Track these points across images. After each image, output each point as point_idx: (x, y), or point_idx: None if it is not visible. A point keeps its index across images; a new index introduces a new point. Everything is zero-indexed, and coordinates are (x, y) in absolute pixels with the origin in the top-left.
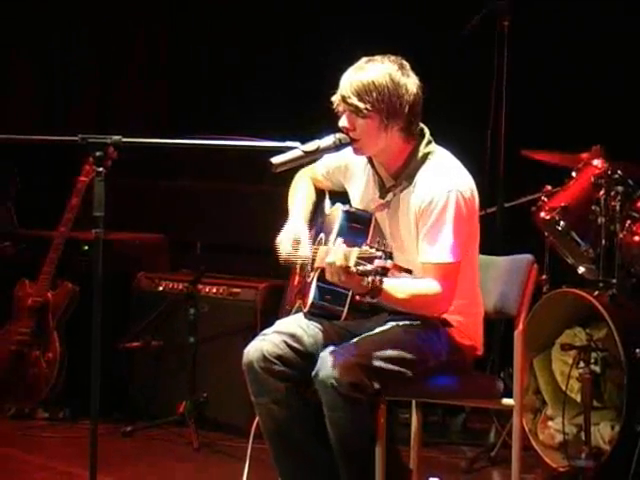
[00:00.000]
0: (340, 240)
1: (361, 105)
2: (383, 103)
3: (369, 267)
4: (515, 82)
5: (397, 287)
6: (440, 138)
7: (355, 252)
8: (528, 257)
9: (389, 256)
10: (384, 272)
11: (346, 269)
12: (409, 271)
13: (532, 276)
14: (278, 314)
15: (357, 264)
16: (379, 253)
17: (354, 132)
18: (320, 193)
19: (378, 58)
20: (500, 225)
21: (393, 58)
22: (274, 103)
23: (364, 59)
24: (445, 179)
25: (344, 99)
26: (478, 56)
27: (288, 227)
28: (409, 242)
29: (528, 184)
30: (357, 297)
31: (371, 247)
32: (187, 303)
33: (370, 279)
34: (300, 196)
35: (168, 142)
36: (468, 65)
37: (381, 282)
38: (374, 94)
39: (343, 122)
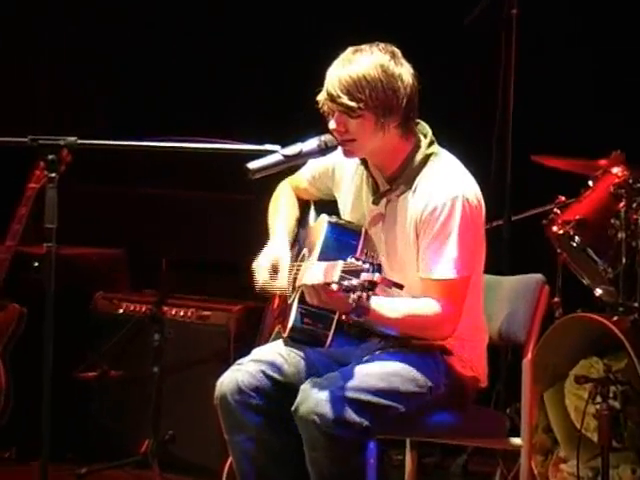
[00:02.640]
0: (320, 258)
1: (353, 104)
2: (377, 99)
3: (354, 281)
4: (525, 79)
5: (388, 305)
6: (442, 140)
7: (339, 265)
8: (538, 277)
9: (377, 269)
10: (371, 287)
11: (325, 286)
12: (399, 286)
13: (543, 298)
14: (256, 341)
15: (341, 279)
16: (366, 265)
17: (346, 134)
18: (305, 205)
19: (366, 47)
20: (507, 240)
21: (382, 46)
22: (252, 102)
23: (350, 49)
24: (450, 184)
25: (333, 98)
26: (483, 50)
27: (267, 251)
28: (408, 256)
29: (539, 194)
30: (343, 317)
31: (357, 259)
32: (151, 327)
33: (356, 295)
34: (282, 213)
35: (131, 144)
36: (471, 60)
37: (368, 298)
38: (367, 90)
39: (333, 125)
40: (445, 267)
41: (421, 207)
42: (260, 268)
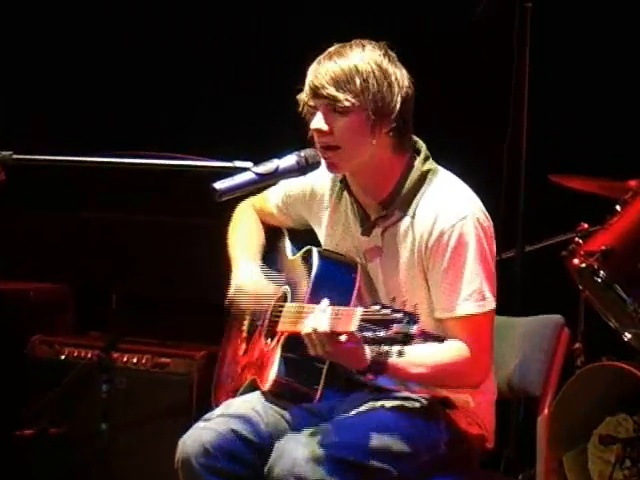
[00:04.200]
0: (326, 301)
1: (340, 95)
2: (369, 93)
3: (382, 333)
4: (541, 86)
5: (409, 357)
6: (438, 159)
7: (358, 313)
8: (556, 318)
9: (414, 320)
10: (407, 340)
11: (334, 336)
12: (441, 339)
13: (562, 344)
14: (212, 393)
15: (361, 329)
16: (399, 315)
17: (331, 136)
18: (276, 232)
19: (356, 42)
20: (519, 275)
21: (375, 43)
22: (218, 112)
23: (337, 45)
24: (456, 203)
25: (316, 91)
26: (491, 51)
27: (237, 276)
28: (416, 297)
29: (557, 221)
30: (356, 375)
31: (384, 306)
32: (98, 377)
33: (382, 349)
34: (243, 237)
35: (76, 160)
36: (477, 63)
37: (400, 354)
38: (357, 81)
39: (317, 123)
40: (468, 302)
41: (425, 234)
42: (239, 292)
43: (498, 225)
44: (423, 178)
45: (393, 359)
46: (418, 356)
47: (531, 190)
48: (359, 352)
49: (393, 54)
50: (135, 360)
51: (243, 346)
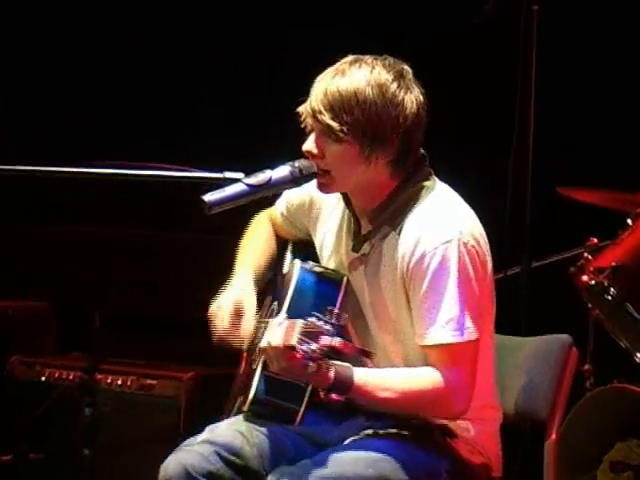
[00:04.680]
0: (283, 314)
1: (334, 125)
2: (367, 125)
3: (313, 346)
4: (548, 93)
5: (376, 380)
6: (438, 170)
7: (299, 325)
8: (564, 338)
9: (337, 331)
10: (331, 354)
11: (285, 350)
12: (367, 354)
13: (570, 365)
14: (223, 414)
15: (300, 342)
16: (327, 327)
17: (322, 160)
18: (283, 245)
19: (368, 59)
20: (525, 293)
21: (390, 62)
22: (209, 121)
23: (349, 58)
24: (443, 224)
25: (313, 113)
26: (495, 56)
27: (229, 290)
28: (401, 317)
29: (565, 235)
30: (321, 395)
31: (319, 319)
32: (81, 399)
33: (314, 364)
34: (253, 248)
35: (55, 170)
36: (480, 68)
37: (328, 369)
38: (355, 111)
39: (308, 145)
40: (443, 330)
41: (407, 253)
42: (219, 312)
43: (504, 240)
44: (417, 194)
45: (359, 379)
46: (387, 379)
47: (538, 203)
48: (318, 369)
49: (408, 74)
50: (119, 382)
51: (243, 365)
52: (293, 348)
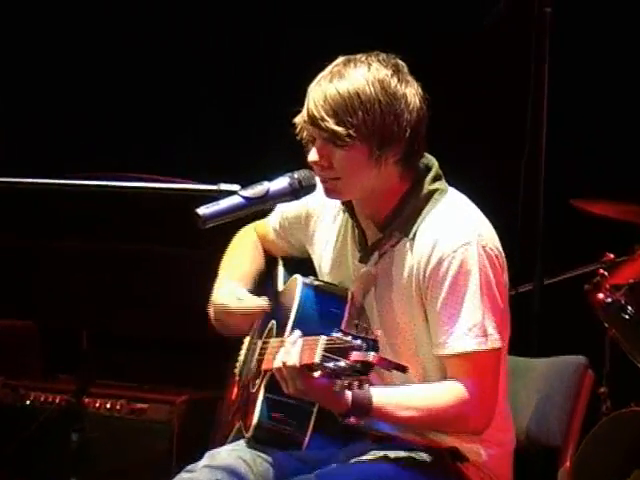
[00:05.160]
0: (297, 332)
1: (341, 130)
2: (374, 125)
3: (342, 363)
4: (561, 99)
5: (398, 399)
6: (445, 178)
7: (322, 342)
8: (579, 359)
9: (372, 345)
10: (364, 370)
11: (303, 370)
12: (402, 368)
13: (585, 388)
14: (210, 441)
15: (324, 359)
16: (357, 341)
17: (331, 170)
18: (272, 262)
19: (362, 58)
20: (537, 311)
21: (383, 57)
22: (204, 131)
23: (341, 60)
24: (460, 226)
25: (315, 121)
26: (506, 59)
27: (219, 288)
28: (413, 330)
29: (580, 250)
30: (339, 419)
31: (345, 333)
32: (68, 425)
33: (345, 382)
34: (237, 262)
35: (41, 182)
36: (489, 72)
37: (360, 386)
38: (360, 113)
39: (314, 156)
40: (465, 337)
41: (423, 259)
42: (219, 306)
43: (515, 256)
44: (428, 198)
45: (378, 401)
46: (408, 397)
47: (550, 216)
48: (328, 386)
49: (404, 68)
50: (108, 406)
51: (235, 389)
52: (312, 367)
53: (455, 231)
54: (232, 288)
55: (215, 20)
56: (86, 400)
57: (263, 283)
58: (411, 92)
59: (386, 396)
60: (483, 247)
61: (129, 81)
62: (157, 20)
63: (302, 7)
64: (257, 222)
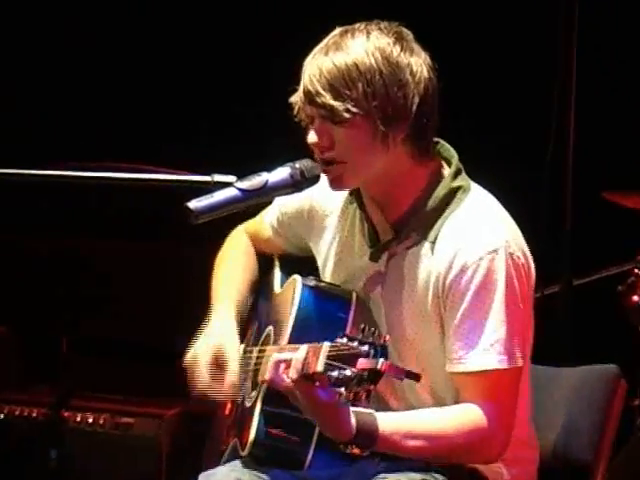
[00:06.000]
0: (292, 339)
1: (338, 105)
2: (375, 98)
3: (348, 372)
4: (591, 82)
5: (405, 428)
6: (467, 172)
7: (325, 349)
8: (611, 368)
9: (381, 351)
10: (373, 378)
11: (303, 380)
12: (415, 376)
13: (617, 399)
14: (202, 460)
15: (328, 368)
16: (364, 347)
17: (332, 151)
18: (267, 263)
19: (360, 27)
20: (566, 315)
21: (384, 25)
22: (193, 115)
23: (338, 31)
24: (486, 231)
25: (311, 98)
26: (530, 41)
27: (206, 335)
28: (425, 341)
29: (612, 248)
30: (340, 446)
31: (351, 339)
32: (46, 440)
33: (350, 393)
34: (230, 275)
35: (24, 173)
36: (514, 57)
37: (368, 397)
38: (360, 84)
39: (312, 137)
40: (487, 354)
41: (444, 266)
42: (196, 363)
43: (540, 255)
44: (451, 196)
45: (384, 428)
46: (416, 425)
47: (580, 210)
48: (340, 412)
49: (408, 36)
50: (91, 420)
51: (229, 403)
52: (314, 377)
53: (481, 237)
54: (219, 342)
55: (212, 16)
56: (66, 413)
57: (259, 288)
58: (417, 61)
59: (394, 423)
60: (511, 255)
61: (121, 74)
62: (152, 15)
63: (300, 7)
64: (248, 221)
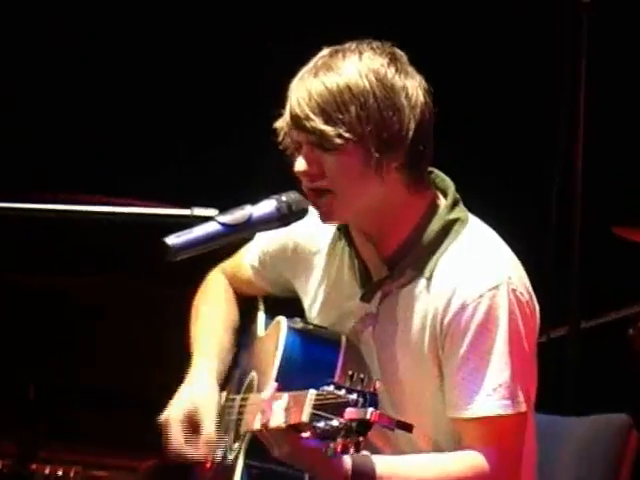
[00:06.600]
0: (274, 385)
1: (329, 130)
2: (369, 124)
3: (335, 422)
4: (601, 118)
5: (404, 473)
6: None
7: (310, 398)
8: (622, 418)
9: (371, 400)
10: (362, 430)
11: (290, 431)
12: (407, 427)
13: (629, 452)
14: None
15: (314, 418)
16: (352, 396)
17: (322, 180)
18: (249, 304)
19: (352, 47)
20: (573, 360)
21: (377, 45)
22: (178, 149)
23: (327, 51)
24: (486, 267)
25: (299, 122)
26: (535, 57)
27: (182, 393)
28: (421, 385)
29: (622, 288)
30: None
31: (338, 387)
32: None
33: (338, 445)
34: (209, 323)
35: None
36: (519, 70)
37: (357, 448)
38: (352, 108)
39: (301, 164)
40: (489, 399)
41: (441, 304)
42: (171, 423)
43: (545, 295)
44: (448, 229)
45: (382, 473)
46: (416, 469)
47: (589, 246)
48: (318, 451)
49: (402, 58)
50: (60, 473)
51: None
52: (299, 428)
53: (481, 272)
54: (197, 402)
55: (195, 38)
56: (34, 466)
57: (241, 334)
58: (412, 84)
59: (392, 467)
60: (513, 291)
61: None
62: (134, 38)
63: (290, 22)
64: (225, 262)
